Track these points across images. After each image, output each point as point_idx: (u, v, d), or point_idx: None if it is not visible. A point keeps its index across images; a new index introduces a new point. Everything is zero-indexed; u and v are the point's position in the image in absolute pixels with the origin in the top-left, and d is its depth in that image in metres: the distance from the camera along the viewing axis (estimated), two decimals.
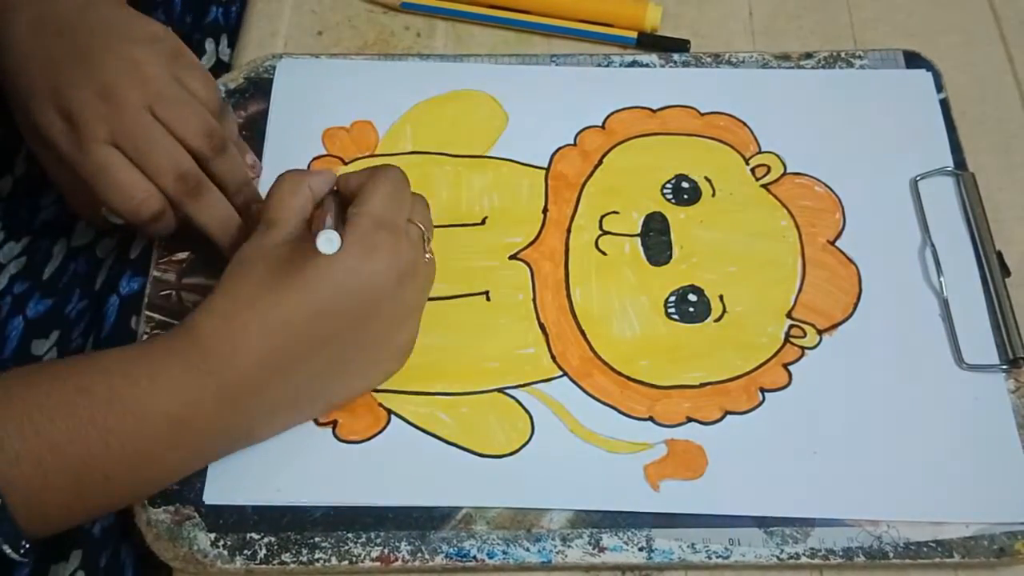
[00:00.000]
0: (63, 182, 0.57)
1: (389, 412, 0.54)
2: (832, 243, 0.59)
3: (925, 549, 0.50)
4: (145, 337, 0.55)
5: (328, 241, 0.46)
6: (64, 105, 0.52)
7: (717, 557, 0.50)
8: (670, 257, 0.58)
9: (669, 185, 0.61)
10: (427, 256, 0.53)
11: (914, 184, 0.61)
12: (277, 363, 0.48)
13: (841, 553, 0.50)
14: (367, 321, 0.50)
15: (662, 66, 0.66)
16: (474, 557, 0.50)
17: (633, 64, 0.66)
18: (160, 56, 0.55)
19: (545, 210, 0.60)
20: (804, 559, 0.50)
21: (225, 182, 0.56)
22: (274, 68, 0.65)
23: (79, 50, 0.53)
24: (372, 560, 0.50)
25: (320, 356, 0.49)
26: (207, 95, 0.56)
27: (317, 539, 0.50)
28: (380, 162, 0.61)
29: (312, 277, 0.48)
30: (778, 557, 0.50)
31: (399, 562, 0.50)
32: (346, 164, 0.61)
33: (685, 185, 0.61)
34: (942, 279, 0.57)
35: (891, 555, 0.50)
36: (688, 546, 0.50)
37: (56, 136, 0.53)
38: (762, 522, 0.51)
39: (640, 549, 0.50)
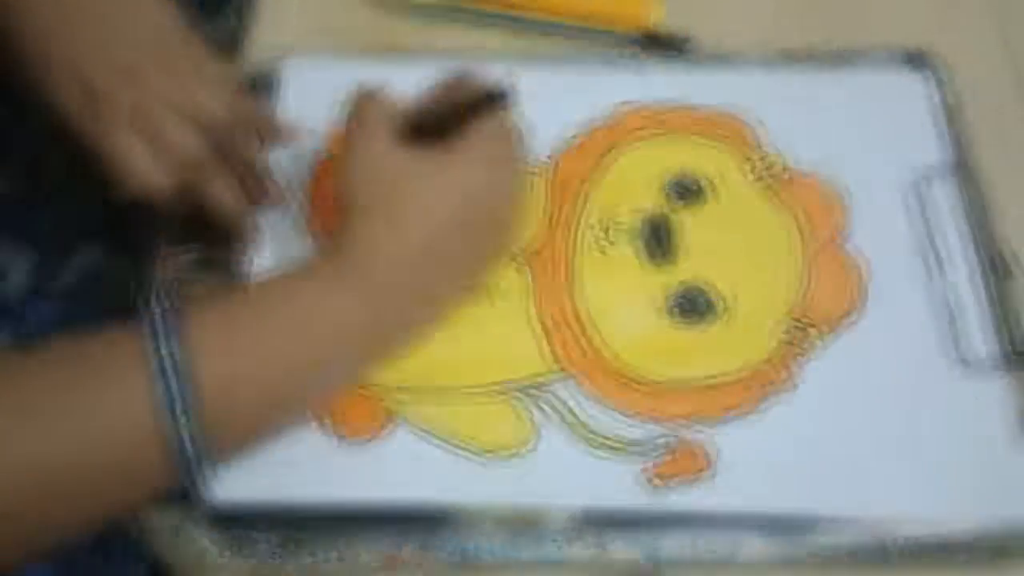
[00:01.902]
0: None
1: (390, 412, 0.54)
2: (833, 243, 0.59)
3: (926, 549, 0.50)
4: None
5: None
6: (85, 80, 0.52)
7: (719, 556, 0.50)
8: (671, 257, 0.59)
9: (670, 185, 0.61)
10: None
11: (914, 184, 0.61)
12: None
13: (843, 553, 0.50)
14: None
15: (662, 66, 0.66)
16: (476, 556, 0.50)
17: (633, 64, 0.66)
18: (183, 39, 0.55)
19: (546, 210, 0.60)
20: (805, 559, 0.50)
21: (239, 160, 0.56)
22: (280, 68, 0.65)
23: (102, 26, 0.53)
24: (376, 559, 0.50)
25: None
26: (226, 77, 0.57)
27: (321, 538, 0.50)
28: None
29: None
30: (779, 557, 0.50)
31: (403, 561, 0.50)
32: None
33: (686, 185, 0.61)
34: (942, 279, 0.57)
35: (892, 555, 0.50)
36: (689, 545, 0.50)
37: (74, 111, 0.53)
38: (764, 521, 0.51)
39: (641, 549, 0.50)
